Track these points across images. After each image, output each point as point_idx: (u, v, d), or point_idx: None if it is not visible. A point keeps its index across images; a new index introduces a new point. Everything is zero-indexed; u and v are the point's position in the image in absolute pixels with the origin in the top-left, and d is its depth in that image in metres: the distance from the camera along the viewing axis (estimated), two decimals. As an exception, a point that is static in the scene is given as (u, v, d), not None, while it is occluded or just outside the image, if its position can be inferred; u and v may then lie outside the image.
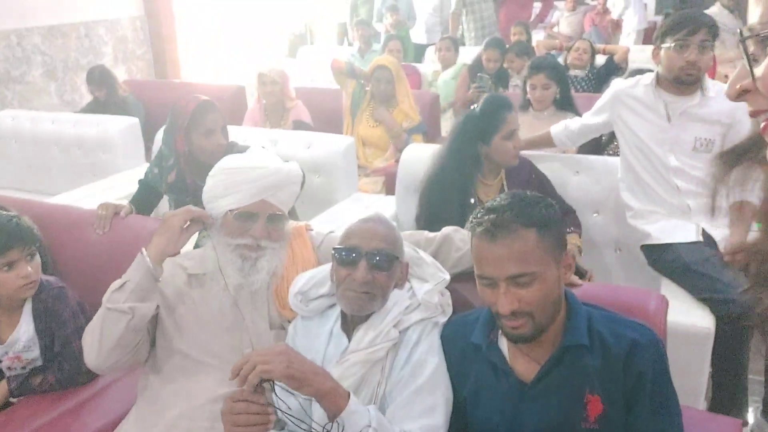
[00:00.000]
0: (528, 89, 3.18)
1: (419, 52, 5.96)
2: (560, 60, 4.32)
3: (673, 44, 2.16)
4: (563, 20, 6.77)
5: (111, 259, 1.93)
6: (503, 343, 1.33)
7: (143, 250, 1.51)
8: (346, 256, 1.41)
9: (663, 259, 2.19)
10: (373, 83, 3.53)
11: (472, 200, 2.22)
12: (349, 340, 1.42)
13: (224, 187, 1.56)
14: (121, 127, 3.48)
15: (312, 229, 1.75)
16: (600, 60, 4.53)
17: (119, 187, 3.10)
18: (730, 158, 0.65)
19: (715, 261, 2.05)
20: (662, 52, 2.21)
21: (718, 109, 2.18)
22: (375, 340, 1.38)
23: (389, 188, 3.08)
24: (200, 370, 1.52)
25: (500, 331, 1.32)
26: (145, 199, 2.45)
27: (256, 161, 1.59)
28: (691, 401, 1.95)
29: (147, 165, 3.14)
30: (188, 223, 1.55)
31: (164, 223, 1.54)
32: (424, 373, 1.35)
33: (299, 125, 3.38)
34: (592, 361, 1.23)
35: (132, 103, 4.08)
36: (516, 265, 1.19)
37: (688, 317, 1.98)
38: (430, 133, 3.66)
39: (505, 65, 4.40)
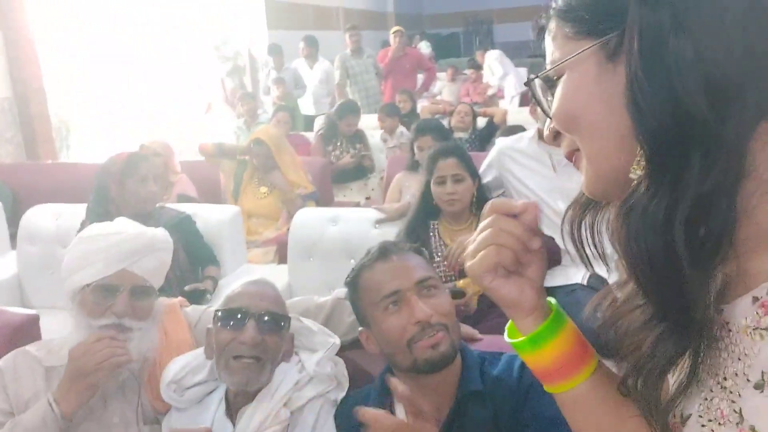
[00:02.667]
0: (416, 151, 3.23)
1: (309, 122, 6.01)
2: (444, 123, 4.46)
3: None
4: (445, 90, 7.17)
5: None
6: (401, 412, 1.25)
7: (50, 396, 1.27)
8: (232, 317, 1.28)
9: None
10: (252, 157, 3.45)
11: (432, 243, 2.26)
12: (234, 426, 1.27)
13: (80, 259, 1.37)
14: (-19, 213, 3.18)
15: (187, 306, 1.59)
16: (481, 122, 4.72)
17: (-22, 277, 2.79)
18: (580, 204, 0.65)
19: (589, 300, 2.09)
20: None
21: None
22: (264, 423, 1.24)
23: (282, 257, 2.97)
24: None
25: (395, 401, 1.23)
26: None
27: (113, 227, 1.43)
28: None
29: (12, 252, 2.94)
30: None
31: (74, 363, 1.29)
32: None
33: (184, 199, 3.23)
34: (488, 407, 1.19)
35: (-3, 188, 3.76)
36: (420, 271, 1.22)
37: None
38: (322, 200, 3.61)
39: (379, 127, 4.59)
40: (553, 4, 0.59)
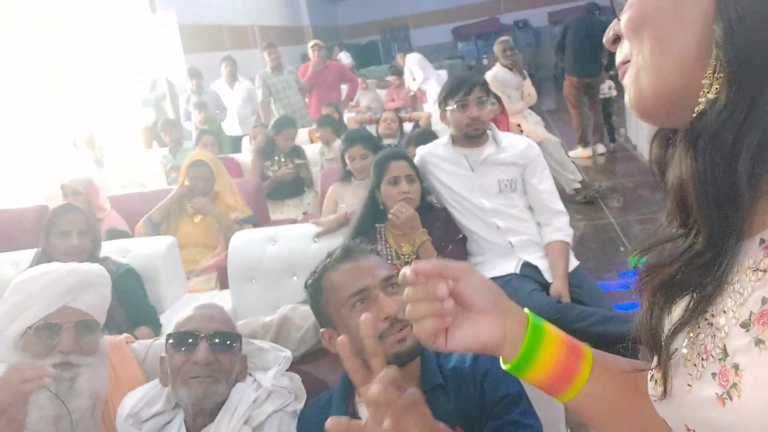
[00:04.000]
0: (348, 161, 3.26)
1: (235, 143, 5.93)
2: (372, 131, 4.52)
3: (455, 105, 2.39)
4: (362, 99, 7.24)
5: None
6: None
7: None
8: (183, 340, 1.29)
9: None
10: (191, 182, 3.33)
11: (379, 247, 2.25)
12: None
13: (18, 305, 1.35)
14: None
15: (133, 341, 1.57)
16: (408, 127, 4.80)
17: None
18: (662, 137, 0.63)
19: (524, 286, 2.21)
20: (448, 114, 2.43)
21: (512, 153, 2.42)
22: None
23: (223, 283, 2.93)
24: None
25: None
26: None
27: (46, 267, 1.41)
28: (554, 428, 2.00)
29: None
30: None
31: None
32: None
33: (114, 234, 3.13)
34: (449, 398, 1.22)
35: None
36: (384, 270, 1.25)
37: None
38: (259, 221, 3.57)
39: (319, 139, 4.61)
40: None
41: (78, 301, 1.37)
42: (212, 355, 1.28)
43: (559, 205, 2.43)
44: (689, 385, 0.56)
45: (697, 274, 0.55)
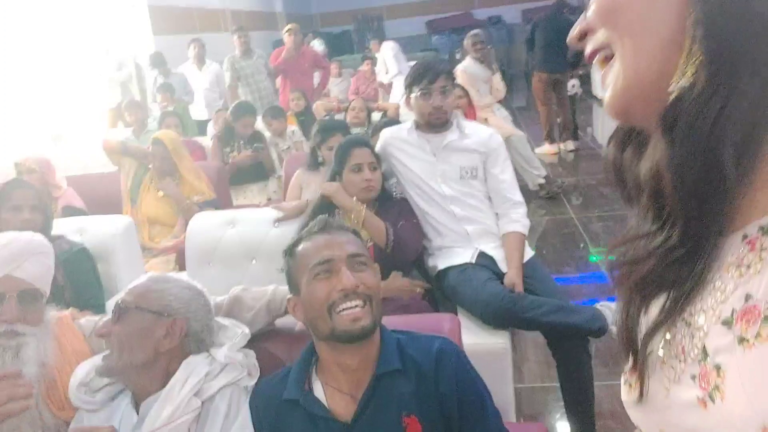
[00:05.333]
0: (325, 151, 3.18)
1: (202, 127, 5.86)
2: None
3: (419, 93, 2.40)
4: (333, 87, 7.20)
5: None
6: (318, 389, 1.29)
7: None
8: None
9: (442, 285, 2.34)
10: (151, 159, 3.39)
11: None
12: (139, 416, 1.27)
13: None
14: None
15: (78, 317, 1.55)
16: (376, 117, 4.80)
17: None
18: (619, 138, 0.61)
19: (479, 275, 2.23)
20: (412, 100, 2.44)
21: (475, 141, 2.44)
22: (174, 413, 1.25)
23: (182, 265, 2.90)
24: None
25: (314, 377, 1.31)
26: None
27: None
28: (503, 416, 2.04)
29: None
30: None
31: None
32: None
33: (70, 211, 3.09)
34: (406, 385, 1.25)
35: None
36: (354, 246, 1.32)
37: (482, 336, 2.08)
38: (221, 205, 3.54)
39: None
40: None
41: (21, 270, 1.36)
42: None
43: (518, 196, 2.46)
44: (666, 389, 0.54)
45: (674, 271, 0.52)
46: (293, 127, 4.66)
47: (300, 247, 1.34)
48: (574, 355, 2.08)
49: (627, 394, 0.60)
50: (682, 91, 0.48)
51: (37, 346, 1.36)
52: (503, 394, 2.04)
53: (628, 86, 0.53)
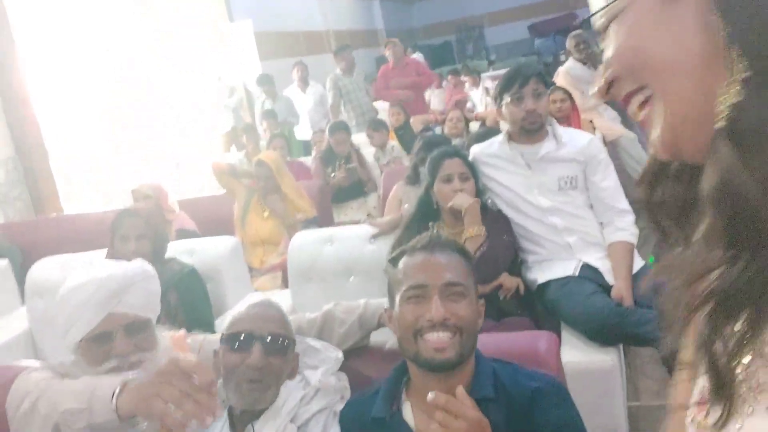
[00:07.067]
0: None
1: (307, 147, 6.04)
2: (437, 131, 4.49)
3: (510, 99, 2.31)
4: (434, 97, 7.20)
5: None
6: (407, 410, 1.27)
7: (117, 389, 1.15)
8: (238, 340, 1.31)
9: (543, 299, 2.23)
10: (256, 180, 3.55)
11: None
12: None
13: (67, 317, 1.37)
14: (-13, 273, 3.23)
15: (186, 337, 1.62)
16: (474, 126, 4.73)
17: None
18: (649, 177, 0.59)
19: (582, 288, 2.11)
20: (504, 109, 2.35)
21: (572, 149, 2.32)
22: None
23: (287, 282, 2.99)
24: None
25: (403, 397, 1.28)
26: None
27: (78, 279, 1.40)
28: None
29: (23, 308, 2.99)
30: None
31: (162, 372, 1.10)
32: None
33: (183, 234, 3.27)
34: (497, 414, 1.20)
35: (5, 248, 3.84)
36: (452, 274, 1.26)
37: (589, 353, 1.97)
38: (323, 222, 3.63)
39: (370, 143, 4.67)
40: None
41: (122, 305, 1.36)
42: (265, 359, 1.29)
43: (624, 204, 2.31)
44: (739, 425, 0.49)
45: (757, 291, 0.47)
46: (393, 142, 4.69)
47: (402, 261, 1.33)
48: None
49: (696, 427, 0.55)
50: (735, 108, 0.46)
51: (155, 367, 1.38)
52: (612, 414, 1.92)
53: (675, 124, 0.51)
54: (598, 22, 0.55)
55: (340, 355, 1.46)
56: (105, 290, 1.36)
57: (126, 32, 5.92)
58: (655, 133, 0.53)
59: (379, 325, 1.54)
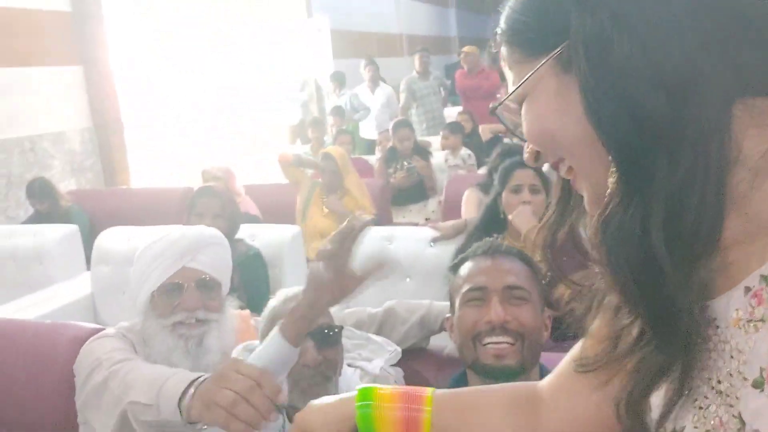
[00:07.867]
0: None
1: (371, 145, 6.07)
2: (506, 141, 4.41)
3: None
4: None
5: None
6: None
7: (182, 392, 1.11)
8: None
9: None
10: (320, 173, 3.57)
11: None
12: None
13: (141, 273, 1.41)
14: (58, 236, 3.34)
15: (251, 318, 1.64)
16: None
17: (54, 299, 2.92)
18: (548, 226, 0.66)
19: None
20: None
21: None
22: None
23: (341, 277, 2.99)
24: None
25: None
26: None
27: (161, 233, 1.46)
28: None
29: (88, 273, 3.09)
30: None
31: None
32: None
33: (246, 218, 3.32)
34: None
35: (75, 213, 3.98)
36: (514, 277, 1.23)
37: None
38: (381, 222, 3.62)
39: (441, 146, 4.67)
40: (499, 31, 0.59)
41: (196, 262, 1.39)
42: (320, 355, 1.28)
43: None
44: None
45: (661, 358, 0.52)
46: (469, 151, 4.66)
47: (463, 267, 1.31)
48: None
49: None
50: (611, 194, 0.51)
51: (219, 335, 1.39)
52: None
53: (599, 194, 0.54)
54: (512, 103, 0.59)
55: (399, 350, 1.46)
56: (180, 245, 1.40)
57: (221, 21, 6.12)
58: (585, 199, 0.58)
59: (441, 328, 1.51)
